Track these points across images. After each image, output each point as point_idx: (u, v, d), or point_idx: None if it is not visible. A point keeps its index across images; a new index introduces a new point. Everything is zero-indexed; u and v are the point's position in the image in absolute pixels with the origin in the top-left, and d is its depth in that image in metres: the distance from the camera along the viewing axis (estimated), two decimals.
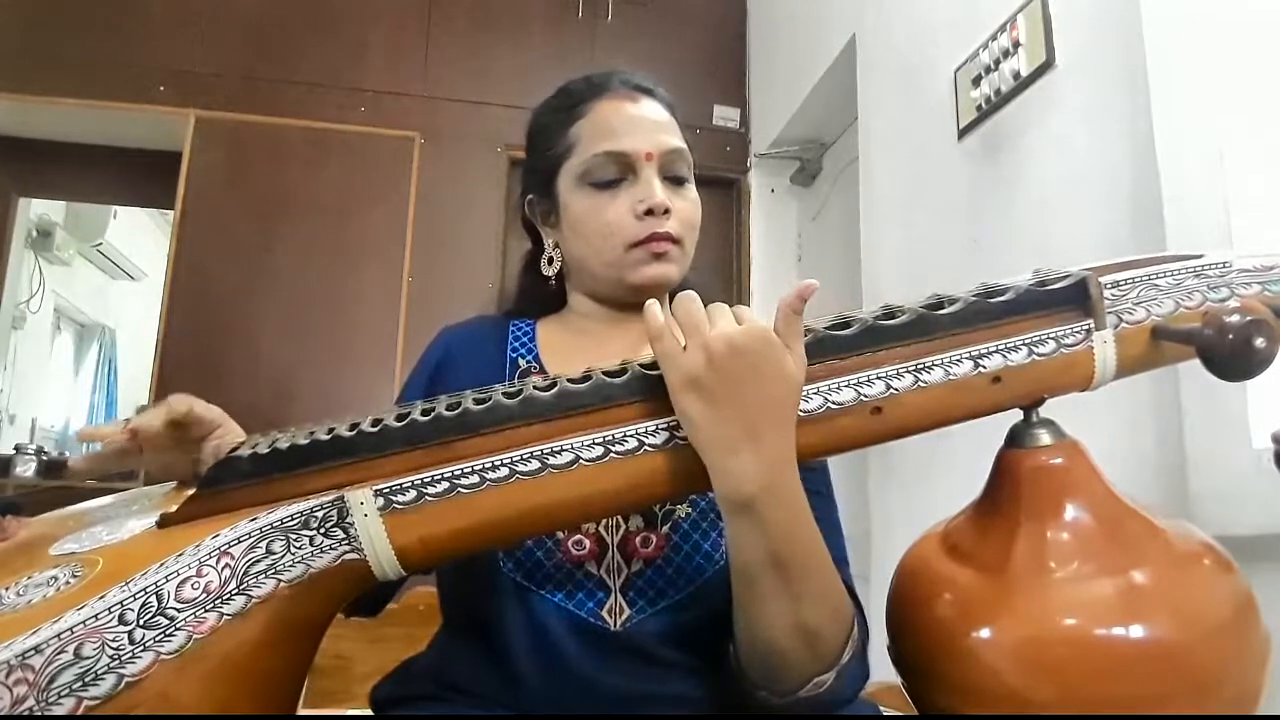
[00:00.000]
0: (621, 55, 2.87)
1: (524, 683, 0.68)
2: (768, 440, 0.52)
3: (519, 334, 0.84)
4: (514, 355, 0.82)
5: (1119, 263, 0.59)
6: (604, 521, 0.71)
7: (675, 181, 0.80)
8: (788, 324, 0.53)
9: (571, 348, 0.82)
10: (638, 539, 0.71)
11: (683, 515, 0.72)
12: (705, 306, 0.55)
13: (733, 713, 0.70)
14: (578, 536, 0.70)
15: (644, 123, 0.79)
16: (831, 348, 0.55)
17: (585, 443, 0.53)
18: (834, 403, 0.54)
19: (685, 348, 0.53)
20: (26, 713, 0.43)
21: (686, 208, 0.80)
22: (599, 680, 0.67)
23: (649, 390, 0.55)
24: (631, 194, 0.77)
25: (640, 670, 0.68)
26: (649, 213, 0.77)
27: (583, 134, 0.80)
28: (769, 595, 0.56)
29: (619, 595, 0.70)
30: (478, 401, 0.55)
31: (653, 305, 0.54)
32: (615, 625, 0.69)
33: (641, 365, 0.56)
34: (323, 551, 0.51)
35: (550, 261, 0.84)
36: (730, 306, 0.55)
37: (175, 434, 0.71)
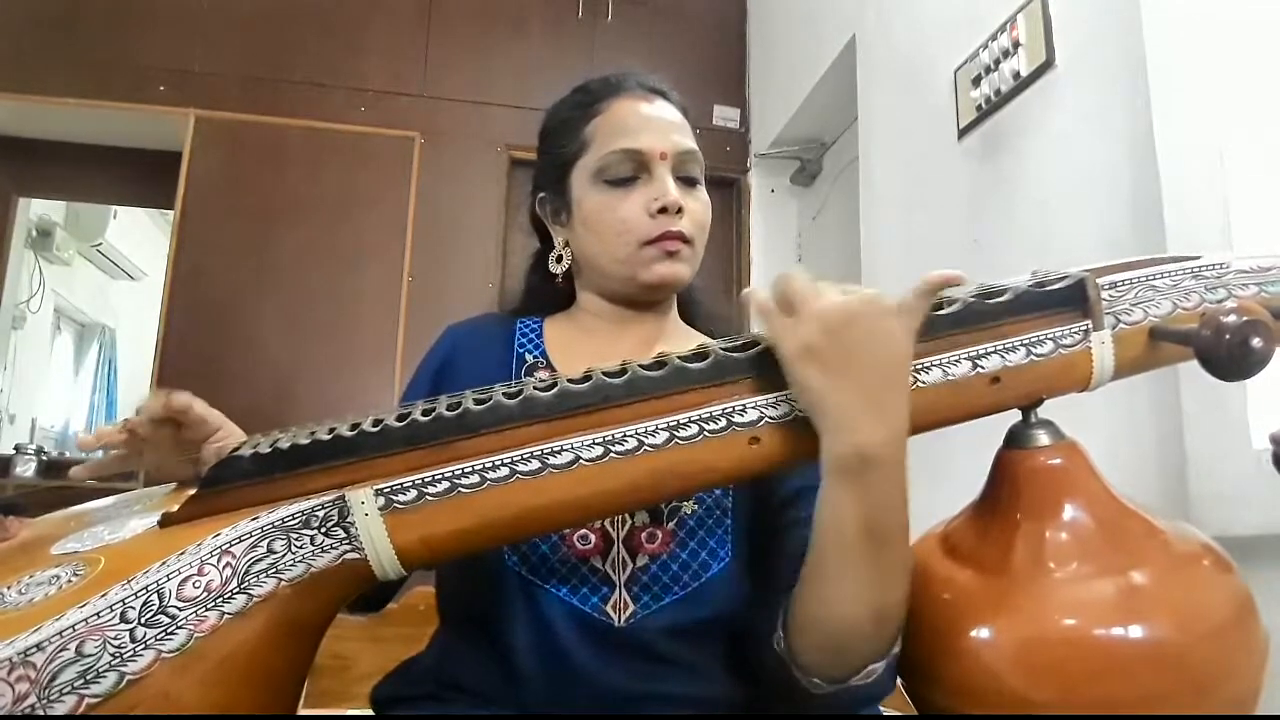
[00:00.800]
0: (621, 55, 2.88)
1: (526, 679, 0.68)
2: (887, 403, 0.52)
3: (526, 331, 0.85)
4: (521, 351, 0.82)
5: (1117, 264, 0.59)
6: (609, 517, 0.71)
7: (687, 182, 0.80)
8: (919, 299, 0.54)
9: (579, 345, 0.83)
10: (643, 534, 0.71)
11: (688, 512, 0.72)
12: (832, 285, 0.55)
13: (736, 711, 0.70)
14: (583, 531, 0.71)
15: (659, 123, 0.80)
16: None
17: (585, 443, 0.53)
18: None
19: (797, 319, 0.53)
20: (28, 710, 0.43)
21: (698, 208, 0.80)
22: (601, 677, 0.67)
23: (649, 391, 0.55)
24: (646, 192, 0.78)
25: (642, 667, 0.68)
26: (663, 211, 0.77)
27: (598, 131, 0.80)
28: (856, 571, 0.55)
29: (623, 590, 0.70)
30: (478, 401, 0.55)
31: (756, 289, 0.56)
32: (619, 621, 0.69)
33: (641, 365, 0.56)
34: (323, 551, 0.51)
35: (559, 260, 0.84)
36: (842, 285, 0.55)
37: (175, 434, 0.71)
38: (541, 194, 0.86)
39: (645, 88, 0.83)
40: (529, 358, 0.81)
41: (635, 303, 0.83)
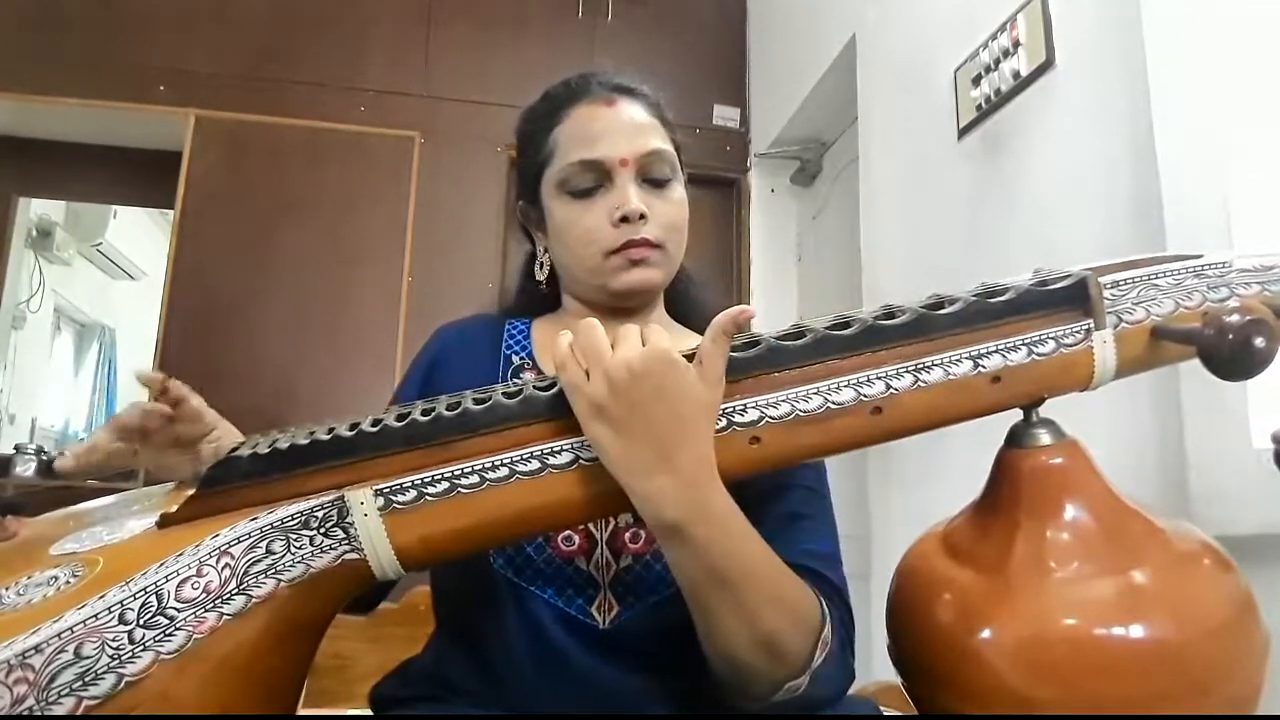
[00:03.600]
0: (621, 55, 2.87)
1: (518, 680, 0.68)
2: (681, 460, 0.52)
3: (514, 332, 0.85)
4: (508, 353, 0.82)
5: (1119, 263, 0.59)
6: None
7: (656, 184, 0.79)
8: (714, 344, 0.53)
9: None
10: (627, 535, 0.71)
11: None
12: (637, 328, 0.54)
13: (724, 710, 0.70)
14: (567, 532, 0.70)
15: (621, 128, 0.78)
16: (831, 347, 0.55)
17: (584, 442, 0.53)
18: (834, 403, 0.54)
19: (589, 376, 0.53)
20: (26, 712, 0.43)
21: (668, 210, 0.79)
22: (591, 677, 0.67)
23: None
24: (608, 201, 0.77)
25: (631, 667, 0.68)
26: (624, 220, 0.76)
27: (560, 141, 0.79)
28: (719, 611, 0.55)
29: (608, 591, 0.70)
30: (478, 401, 0.55)
31: (562, 336, 0.55)
32: (604, 623, 0.69)
33: None
34: (323, 551, 0.51)
35: (541, 266, 0.85)
36: (642, 328, 0.55)
37: (170, 431, 0.70)
38: (521, 201, 0.87)
39: (608, 88, 0.81)
40: (515, 359, 0.82)
41: (614, 308, 0.82)
